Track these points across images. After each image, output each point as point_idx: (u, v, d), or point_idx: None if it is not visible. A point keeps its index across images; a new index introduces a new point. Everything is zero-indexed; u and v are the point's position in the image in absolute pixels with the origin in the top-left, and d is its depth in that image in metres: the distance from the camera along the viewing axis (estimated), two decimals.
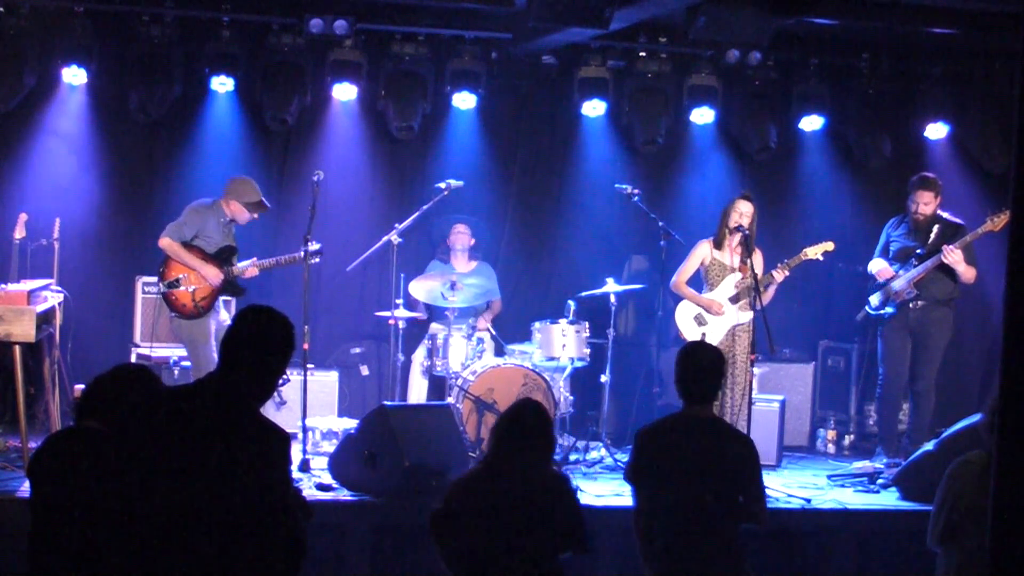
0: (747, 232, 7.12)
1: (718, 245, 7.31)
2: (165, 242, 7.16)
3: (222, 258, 7.24)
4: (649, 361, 8.52)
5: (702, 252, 7.35)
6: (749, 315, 7.06)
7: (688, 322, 7.35)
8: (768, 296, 7.09)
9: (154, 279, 7.85)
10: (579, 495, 4.55)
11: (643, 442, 4.57)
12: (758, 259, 7.21)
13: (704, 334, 7.23)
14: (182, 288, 7.13)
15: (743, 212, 7.15)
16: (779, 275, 7.15)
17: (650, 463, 4.49)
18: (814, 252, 7.19)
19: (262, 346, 3.36)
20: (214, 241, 7.22)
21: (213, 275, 7.16)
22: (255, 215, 7.32)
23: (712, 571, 4.40)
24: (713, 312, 7.25)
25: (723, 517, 4.42)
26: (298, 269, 7.28)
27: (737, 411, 6.95)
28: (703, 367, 4.52)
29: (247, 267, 7.24)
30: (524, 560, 4.19)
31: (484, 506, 4.20)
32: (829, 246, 7.22)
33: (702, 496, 4.36)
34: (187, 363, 7.55)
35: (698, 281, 7.43)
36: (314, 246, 7.03)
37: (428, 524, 4.34)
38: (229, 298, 7.47)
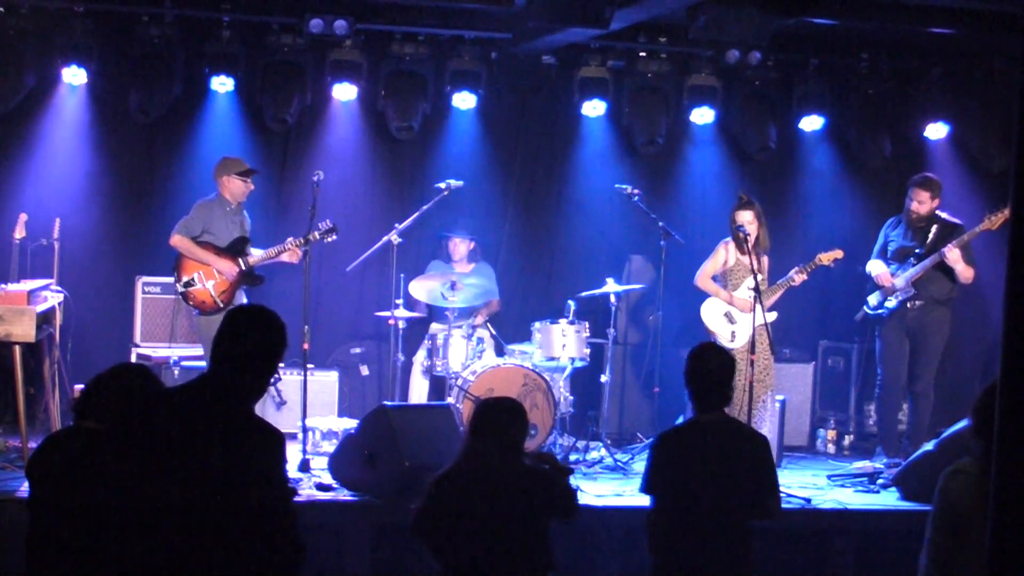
0: (748, 234, 7.19)
1: (740, 250, 7.41)
2: (176, 239, 7.19)
3: (235, 250, 7.26)
4: (649, 361, 8.52)
5: (726, 253, 7.46)
6: (773, 315, 7.23)
7: (718, 319, 7.43)
8: (775, 297, 7.32)
9: (154, 279, 7.88)
10: (573, 485, 4.57)
11: (658, 453, 4.54)
12: (764, 262, 7.38)
13: (733, 332, 7.38)
14: (198, 286, 7.16)
15: (744, 221, 7.28)
16: (798, 278, 7.39)
17: (666, 472, 4.46)
18: (827, 259, 7.41)
19: (252, 344, 3.35)
20: (224, 234, 7.26)
21: (228, 268, 7.19)
22: (249, 183, 7.33)
23: (722, 569, 4.40)
24: (745, 310, 7.30)
25: (738, 516, 4.42)
26: (299, 270, 7.28)
27: (757, 409, 6.99)
28: (713, 372, 4.45)
29: (286, 247, 7.26)
30: (515, 546, 4.26)
31: (469, 499, 4.26)
32: (839, 254, 7.42)
33: (719, 499, 4.35)
34: (187, 363, 7.56)
35: (715, 280, 7.52)
36: (327, 225, 7.19)
37: (411, 522, 4.38)
38: (249, 286, 7.45)
